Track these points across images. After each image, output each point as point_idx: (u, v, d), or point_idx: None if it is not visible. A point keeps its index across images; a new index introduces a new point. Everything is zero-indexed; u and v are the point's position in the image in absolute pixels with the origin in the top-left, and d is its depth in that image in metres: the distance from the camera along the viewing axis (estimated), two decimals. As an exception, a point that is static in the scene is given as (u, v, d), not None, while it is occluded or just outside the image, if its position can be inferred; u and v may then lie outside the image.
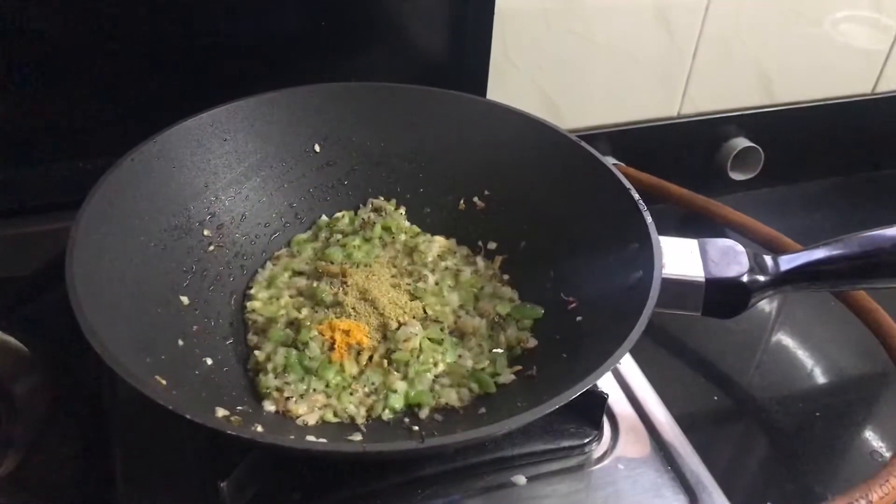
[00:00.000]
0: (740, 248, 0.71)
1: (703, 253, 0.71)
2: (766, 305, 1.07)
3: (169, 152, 0.76)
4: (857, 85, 1.28)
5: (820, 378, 0.96)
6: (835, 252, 0.69)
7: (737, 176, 1.23)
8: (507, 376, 0.72)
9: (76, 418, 0.72)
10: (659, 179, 1.10)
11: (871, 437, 0.89)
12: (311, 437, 0.64)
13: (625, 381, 0.79)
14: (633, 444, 0.73)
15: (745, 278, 0.69)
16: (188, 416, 0.54)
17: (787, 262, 0.70)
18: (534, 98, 1.09)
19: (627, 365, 0.81)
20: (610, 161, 1.14)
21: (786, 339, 1.02)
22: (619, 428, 0.74)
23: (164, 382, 0.61)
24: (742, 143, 1.21)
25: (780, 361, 0.99)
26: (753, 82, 1.21)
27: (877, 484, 0.70)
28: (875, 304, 0.89)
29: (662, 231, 0.71)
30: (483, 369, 0.73)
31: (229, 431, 0.54)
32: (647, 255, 0.68)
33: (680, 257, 0.70)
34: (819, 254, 0.70)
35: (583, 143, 0.80)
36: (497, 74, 1.02)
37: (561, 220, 0.80)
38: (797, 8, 1.16)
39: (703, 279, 0.69)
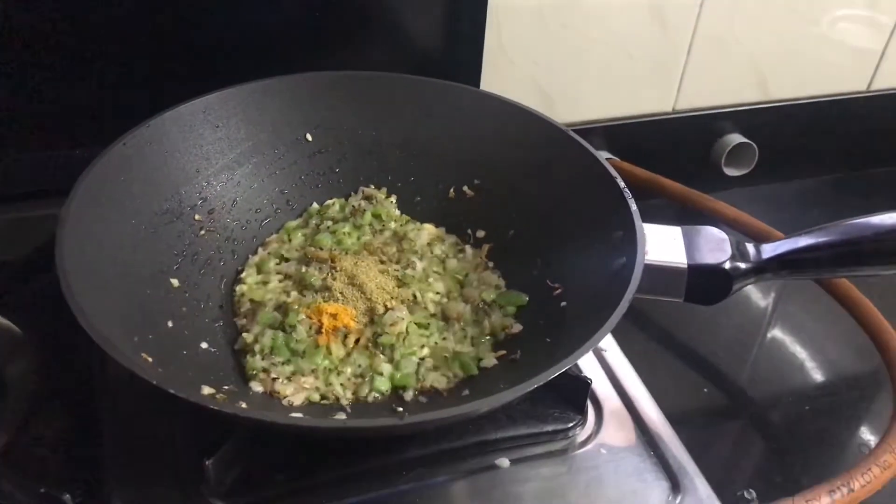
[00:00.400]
0: (723, 235, 0.71)
1: (687, 240, 0.71)
2: (760, 300, 1.07)
3: (161, 137, 0.76)
4: (851, 82, 1.29)
5: (810, 372, 0.96)
6: (816, 240, 0.70)
7: (731, 172, 1.24)
8: (489, 360, 0.73)
9: (66, 399, 0.73)
10: (653, 174, 1.11)
11: (860, 431, 0.89)
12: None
13: (611, 369, 0.79)
14: (616, 430, 0.73)
15: (726, 265, 0.69)
16: (172, 391, 0.54)
17: (770, 249, 0.71)
18: (528, 92, 1.10)
19: (614, 353, 0.81)
20: (604, 155, 1.16)
21: (777, 334, 1.02)
22: (604, 414, 0.74)
23: (150, 360, 0.62)
24: (736, 138, 1.21)
25: (771, 355, 0.99)
26: (748, 78, 1.21)
27: (859, 473, 0.70)
28: (864, 297, 0.90)
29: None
30: (467, 353, 0.74)
31: (212, 406, 0.55)
32: (630, 242, 0.69)
33: (663, 244, 0.71)
34: (801, 242, 0.70)
35: (571, 133, 0.80)
36: (492, 68, 1.03)
37: (548, 209, 0.81)
38: (792, 5, 1.16)
39: (685, 265, 0.69)
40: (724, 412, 0.93)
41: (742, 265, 0.70)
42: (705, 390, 0.93)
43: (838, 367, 0.98)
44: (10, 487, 0.62)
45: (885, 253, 0.69)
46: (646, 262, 0.67)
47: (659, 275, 0.70)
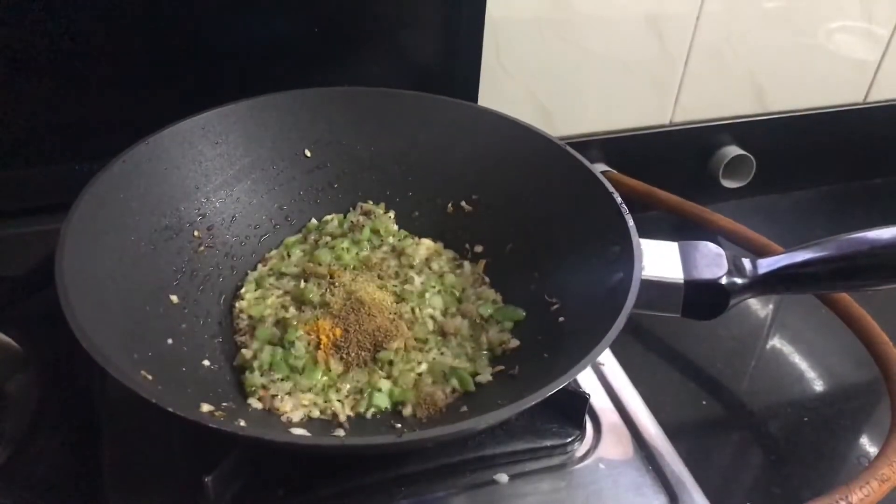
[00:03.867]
0: (720, 250, 0.72)
1: (684, 255, 0.72)
2: (759, 312, 1.07)
3: (160, 154, 0.77)
4: (848, 94, 1.29)
5: (809, 384, 0.97)
6: (813, 255, 0.70)
7: (728, 184, 1.24)
8: (487, 375, 0.74)
9: (66, 414, 0.73)
10: (650, 186, 1.11)
11: (859, 443, 0.89)
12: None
13: (609, 384, 0.80)
14: (615, 444, 0.73)
15: (723, 280, 0.70)
16: (171, 409, 0.54)
17: (766, 265, 0.71)
18: (526, 105, 1.10)
19: (612, 368, 0.82)
20: (602, 168, 1.16)
21: (776, 345, 1.02)
22: (602, 429, 0.75)
23: (150, 377, 0.62)
24: (734, 150, 1.22)
25: (770, 367, 0.99)
26: (745, 91, 1.22)
27: (857, 486, 0.70)
28: (862, 310, 0.90)
29: (653, 237, 0.73)
30: (465, 368, 0.74)
31: (211, 425, 0.55)
32: (627, 257, 0.69)
33: (660, 259, 0.71)
34: (798, 257, 0.71)
35: (568, 148, 0.81)
36: (490, 81, 1.03)
37: (546, 224, 0.81)
38: (789, 17, 1.17)
39: (682, 281, 0.70)
40: (723, 424, 0.93)
41: (739, 280, 0.70)
42: (704, 402, 0.93)
43: (837, 378, 0.98)
44: (10, 502, 0.62)
45: (881, 267, 0.69)
46: (643, 277, 0.67)
47: (656, 290, 0.70)
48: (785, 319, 1.07)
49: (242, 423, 0.63)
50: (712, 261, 0.71)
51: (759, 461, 0.88)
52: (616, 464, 0.71)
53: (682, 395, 0.94)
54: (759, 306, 1.08)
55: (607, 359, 0.82)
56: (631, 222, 0.72)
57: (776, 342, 1.03)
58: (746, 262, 0.72)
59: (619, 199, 0.74)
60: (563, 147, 0.81)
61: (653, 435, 0.75)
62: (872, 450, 0.87)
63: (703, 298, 0.70)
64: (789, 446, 0.89)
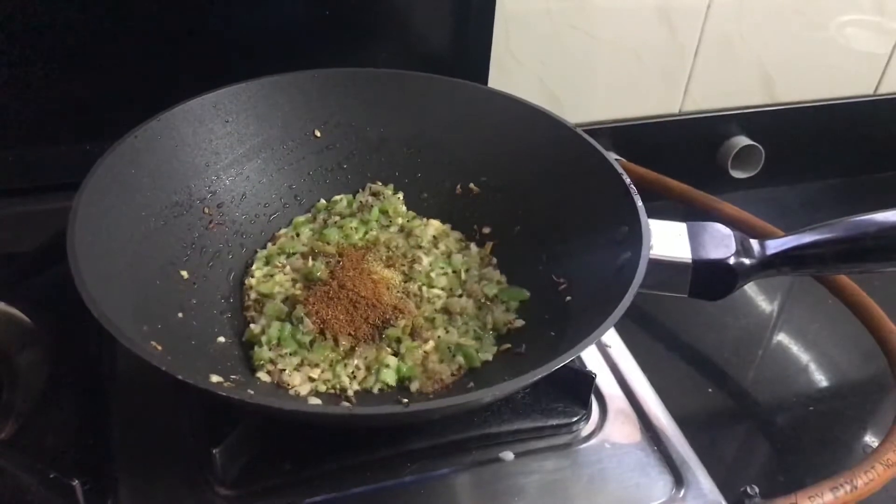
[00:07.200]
0: (728, 231, 0.72)
1: (692, 236, 0.72)
2: (766, 302, 1.07)
3: (171, 131, 0.77)
4: (858, 86, 1.29)
5: (815, 374, 0.97)
6: (820, 236, 0.70)
7: (737, 174, 1.24)
8: (491, 353, 0.74)
9: (76, 388, 0.73)
10: (659, 175, 1.11)
11: (863, 432, 0.89)
12: (301, 404, 0.65)
13: (615, 366, 0.80)
14: (620, 425, 0.74)
15: (731, 261, 0.70)
16: (180, 377, 0.55)
17: (774, 246, 0.71)
18: (536, 93, 1.11)
19: (618, 350, 0.82)
20: (612, 156, 1.16)
21: (783, 336, 1.02)
22: (608, 410, 0.75)
23: (159, 348, 0.62)
24: (743, 141, 1.22)
25: (776, 357, 0.99)
26: (755, 81, 1.22)
27: (862, 471, 0.70)
28: (870, 300, 0.90)
29: (661, 225, 0.73)
30: (471, 345, 0.74)
31: (220, 392, 0.55)
32: (635, 237, 0.69)
33: (668, 239, 0.71)
34: (805, 238, 0.71)
35: (577, 129, 0.81)
36: (500, 69, 1.04)
37: (554, 205, 0.81)
38: (799, 9, 1.17)
39: (690, 260, 0.70)
40: (729, 413, 0.93)
41: (746, 261, 0.70)
42: (710, 391, 0.93)
43: (843, 370, 0.98)
44: (21, 472, 0.63)
45: (888, 249, 0.69)
46: (651, 256, 0.67)
47: (664, 270, 0.70)
48: (792, 310, 1.07)
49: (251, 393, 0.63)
50: (720, 241, 0.71)
51: (764, 450, 0.88)
52: (621, 444, 0.72)
53: (689, 383, 0.94)
54: (766, 297, 1.08)
55: (614, 341, 0.82)
56: (639, 202, 0.72)
57: (783, 332, 1.03)
58: (754, 243, 0.72)
59: (627, 180, 0.74)
60: (571, 128, 0.81)
61: (659, 417, 0.75)
62: (877, 440, 0.87)
63: (710, 278, 0.70)
64: (794, 436, 0.89)
